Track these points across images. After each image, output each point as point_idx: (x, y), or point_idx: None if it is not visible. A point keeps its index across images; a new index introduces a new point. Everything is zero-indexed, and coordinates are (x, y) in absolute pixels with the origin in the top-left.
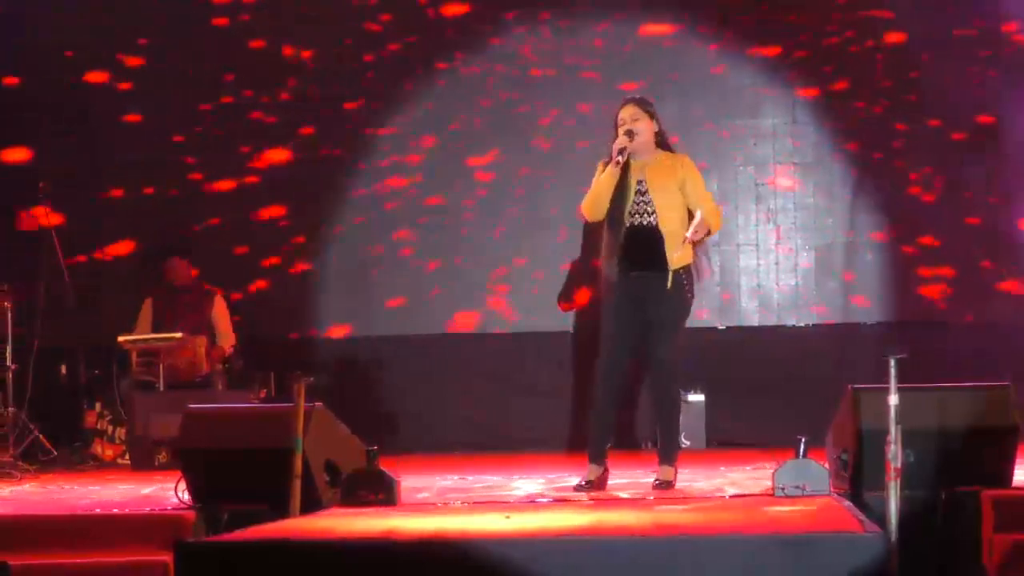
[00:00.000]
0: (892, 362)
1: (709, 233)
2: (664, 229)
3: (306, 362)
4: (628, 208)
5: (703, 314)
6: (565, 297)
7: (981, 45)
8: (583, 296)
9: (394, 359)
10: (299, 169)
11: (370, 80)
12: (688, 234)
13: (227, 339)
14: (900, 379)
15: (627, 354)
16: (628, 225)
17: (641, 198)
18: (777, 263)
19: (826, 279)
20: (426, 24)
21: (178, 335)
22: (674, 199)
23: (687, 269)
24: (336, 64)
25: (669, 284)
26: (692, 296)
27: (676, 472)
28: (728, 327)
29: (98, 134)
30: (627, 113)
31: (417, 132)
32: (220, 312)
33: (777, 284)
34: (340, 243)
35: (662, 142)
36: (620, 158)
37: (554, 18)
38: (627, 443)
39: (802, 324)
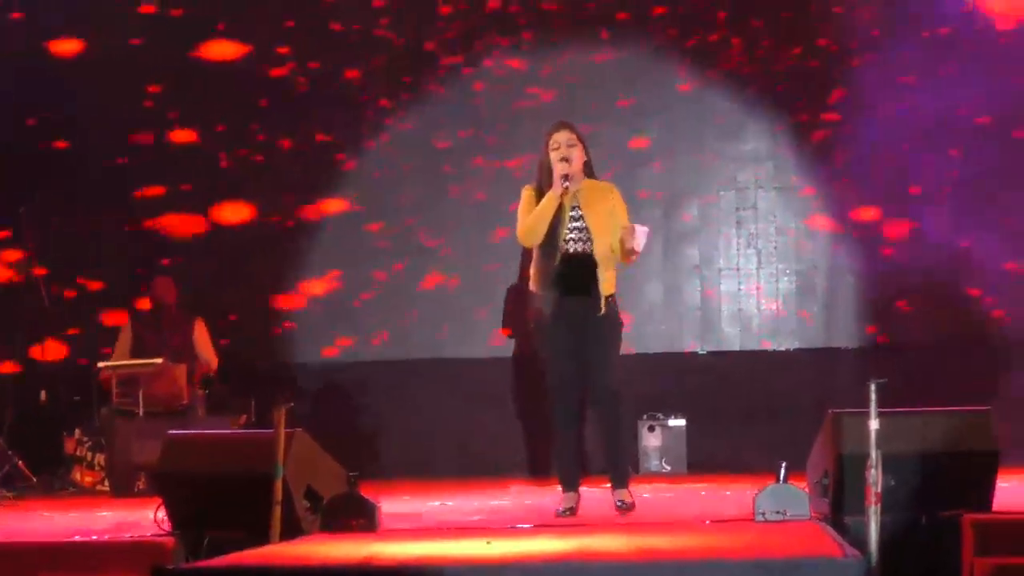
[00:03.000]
0: (872, 387)
1: (635, 252)
2: (598, 256)
3: (287, 388)
4: (562, 235)
5: (684, 338)
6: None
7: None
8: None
9: (376, 384)
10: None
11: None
12: (637, 247)
13: (210, 361)
14: (880, 404)
15: (575, 377)
16: (563, 252)
17: (575, 224)
18: (758, 288)
19: (807, 303)
20: (396, 52)
21: (158, 360)
22: (606, 226)
23: (614, 296)
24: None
25: (602, 309)
26: (622, 323)
27: (632, 494)
28: (709, 352)
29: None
30: (562, 137)
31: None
32: (202, 336)
33: (758, 309)
34: (321, 269)
35: (590, 170)
36: (568, 184)
37: (520, 43)
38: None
39: (783, 348)
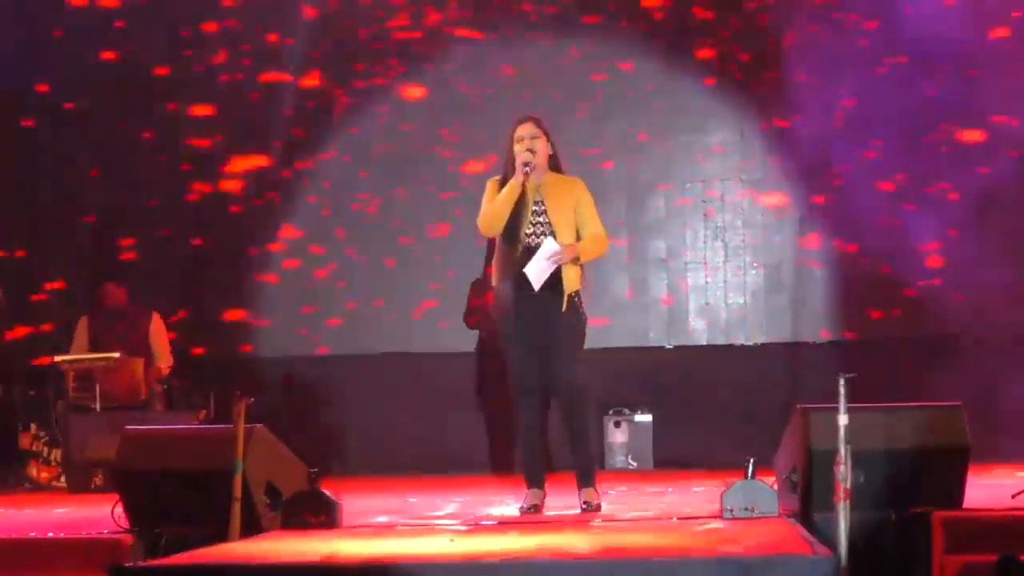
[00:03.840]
0: (841, 381)
1: (579, 259)
2: None
3: (247, 382)
4: (524, 227)
5: (650, 333)
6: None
7: (942, 57)
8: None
9: (337, 378)
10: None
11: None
12: (553, 261)
13: (164, 359)
14: (850, 398)
15: (537, 373)
16: (525, 244)
17: (538, 218)
18: (726, 281)
19: (775, 297)
20: (373, 47)
21: (115, 355)
22: (570, 220)
23: (578, 293)
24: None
25: (564, 306)
26: (586, 319)
27: (599, 493)
28: (676, 346)
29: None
30: (526, 130)
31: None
32: (157, 331)
33: (726, 303)
34: (283, 260)
35: (555, 164)
36: (527, 170)
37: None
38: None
39: (751, 343)
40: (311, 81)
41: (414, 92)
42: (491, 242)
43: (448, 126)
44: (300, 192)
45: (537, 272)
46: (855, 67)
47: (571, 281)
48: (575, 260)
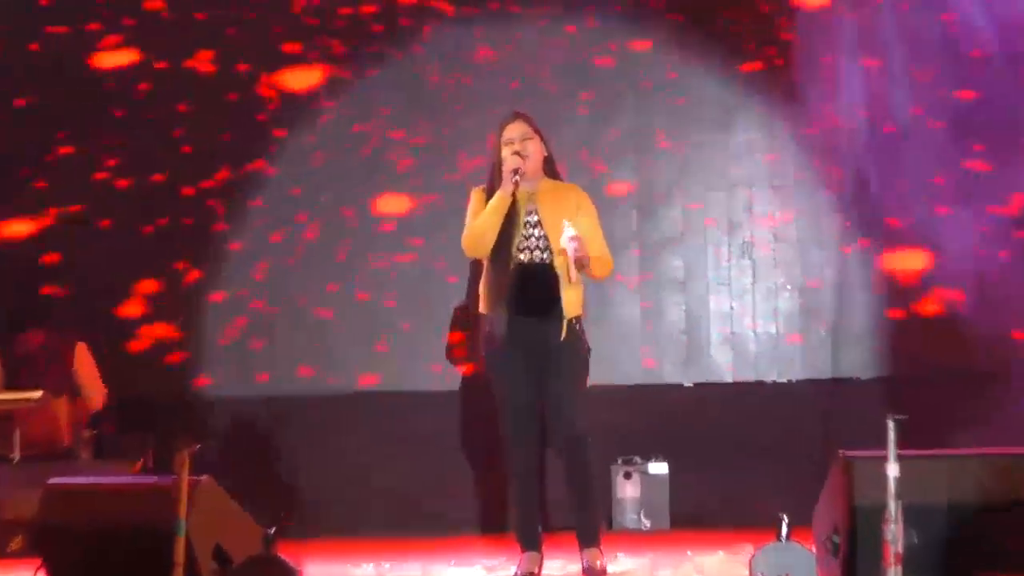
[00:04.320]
0: (891, 424)
1: (585, 266)
2: (559, 268)
3: (192, 426)
4: (516, 243)
5: (665, 367)
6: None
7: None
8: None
9: (299, 422)
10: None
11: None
12: (569, 248)
13: (96, 393)
14: (901, 444)
15: (533, 415)
16: (517, 262)
17: (532, 231)
18: (754, 306)
19: (813, 326)
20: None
21: (36, 394)
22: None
23: (580, 320)
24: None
25: (563, 333)
26: (589, 349)
27: (603, 554)
28: (695, 384)
29: None
30: (516, 131)
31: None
32: (84, 362)
33: (754, 332)
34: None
35: (551, 168)
36: (517, 177)
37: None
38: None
39: (784, 380)
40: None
41: (367, 83)
42: (477, 262)
43: (413, 125)
44: (241, 205)
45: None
46: (934, 53)
47: (571, 304)
48: (580, 266)
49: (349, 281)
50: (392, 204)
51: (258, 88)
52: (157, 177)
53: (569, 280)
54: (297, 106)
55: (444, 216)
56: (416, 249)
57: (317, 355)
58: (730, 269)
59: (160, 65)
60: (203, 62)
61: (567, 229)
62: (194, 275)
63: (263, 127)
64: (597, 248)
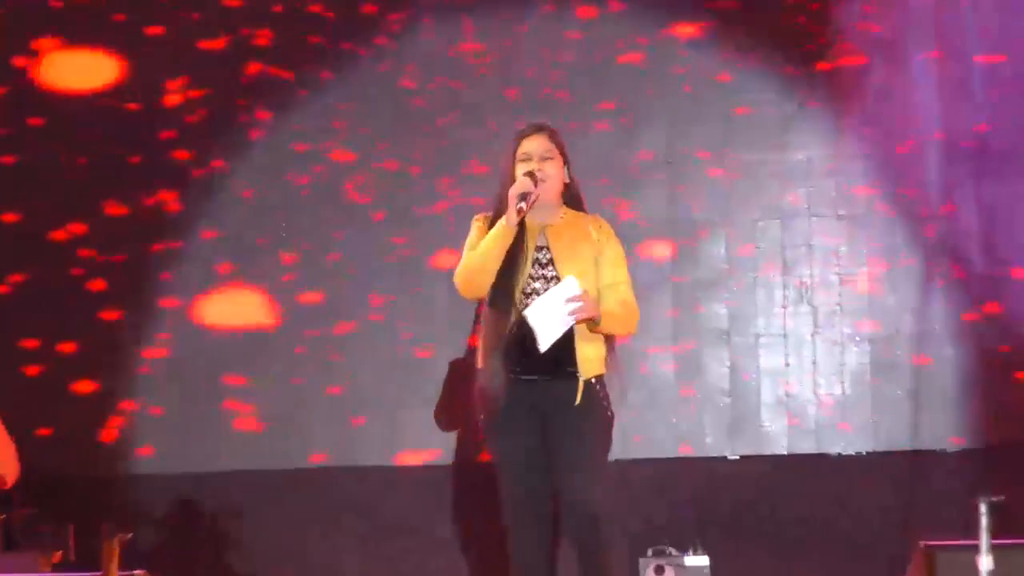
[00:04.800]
0: (984, 507)
1: (597, 323)
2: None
3: (122, 510)
4: (522, 284)
5: (707, 437)
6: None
7: None
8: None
9: (253, 502)
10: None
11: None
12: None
13: (7, 467)
14: (995, 531)
15: (542, 494)
16: (523, 308)
17: (542, 271)
18: (815, 362)
19: (886, 386)
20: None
21: None
22: (587, 275)
23: (601, 380)
24: None
25: (579, 396)
26: (612, 415)
27: None
28: (742, 457)
29: None
30: (535, 146)
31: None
32: None
33: (815, 393)
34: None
35: (573, 196)
36: (523, 205)
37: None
38: None
39: (851, 452)
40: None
41: (336, 89)
42: (479, 307)
43: (375, 146)
44: (191, 236)
45: (543, 319)
46: None
47: (590, 361)
48: (591, 323)
49: (312, 326)
50: (350, 245)
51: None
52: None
53: (592, 328)
54: (217, 121)
55: (412, 266)
56: (384, 309)
57: (270, 425)
58: (785, 317)
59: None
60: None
61: (569, 286)
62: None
63: (166, 148)
64: (616, 296)
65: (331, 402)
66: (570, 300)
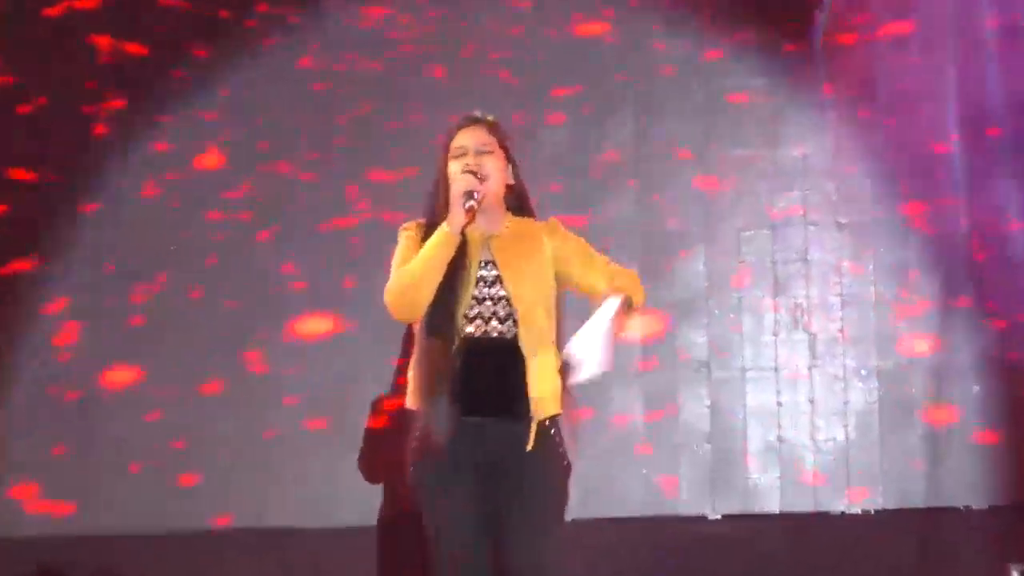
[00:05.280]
0: (1015, 573)
1: (634, 306)
2: (527, 343)
3: None
4: (465, 306)
5: (682, 492)
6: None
7: None
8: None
9: (139, 568)
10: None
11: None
12: (607, 320)
13: None
14: None
15: (484, 555)
16: (465, 336)
17: (487, 291)
18: (812, 401)
19: (898, 430)
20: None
21: None
22: (543, 292)
23: (556, 421)
24: None
25: (531, 441)
26: (569, 465)
27: None
28: (726, 516)
29: None
30: (470, 139)
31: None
32: None
33: (813, 439)
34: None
35: (519, 201)
36: (472, 203)
37: None
38: None
39: (857, 510)
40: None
41: (211, 71)
42: (408, 333)
43: (282, 136)
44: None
45: (585, 352)
46: None
47: (544, 399)
48: (627, 309)
49: (217, 365)
50: (223, 275)
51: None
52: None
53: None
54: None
55: (310, 298)
56: (273, 357)
57: (171, 478)
58: (777, 347)
59: None
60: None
61: (580, 350)
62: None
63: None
64: (612, 267)
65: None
66: (616, 314)
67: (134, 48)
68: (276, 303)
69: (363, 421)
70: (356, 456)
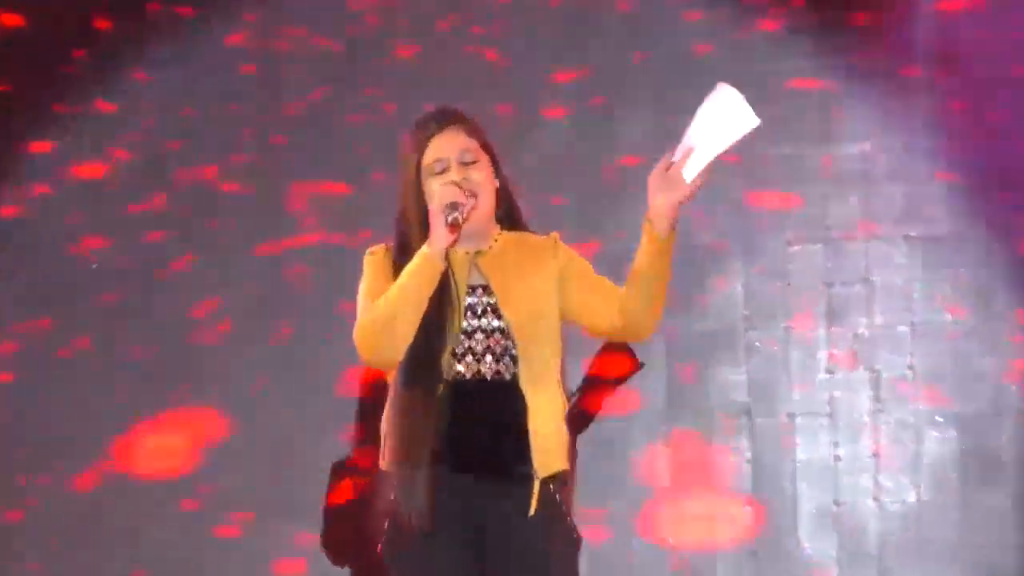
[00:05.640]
0: None
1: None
2: (529, 383)
3: None
4: (453, 343)
5: (715, 564)
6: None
7: None
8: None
9: None
10: None
11: None
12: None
13: None
14: None
15: None
16: (453, 376)
17: (478, 322)
18: (877, 455)
19: (985, 489)
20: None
21: None
22: (548, 320)
23: (563, 480)
24: None
25: (533, 505)
26: (579, 536)
27: None
28: None
29: None
30: (450, 146)
31: None
32: None
33: (878, 500)
34: None
35: (510, 211)
36: (458, 216)
37: None
38: None
39: None
40: None
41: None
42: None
43: (200, 134)
44: None
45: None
46: None
47: (549, 451)
48: (658, 276)
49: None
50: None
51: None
52: None
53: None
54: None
55: (233, 349)
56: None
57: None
58: (832, 388)
59: None
60: None
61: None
62: None
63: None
64: (614, 298)
65: None
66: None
67: (10, 19)
68: (192, 357)
69: (317, 496)
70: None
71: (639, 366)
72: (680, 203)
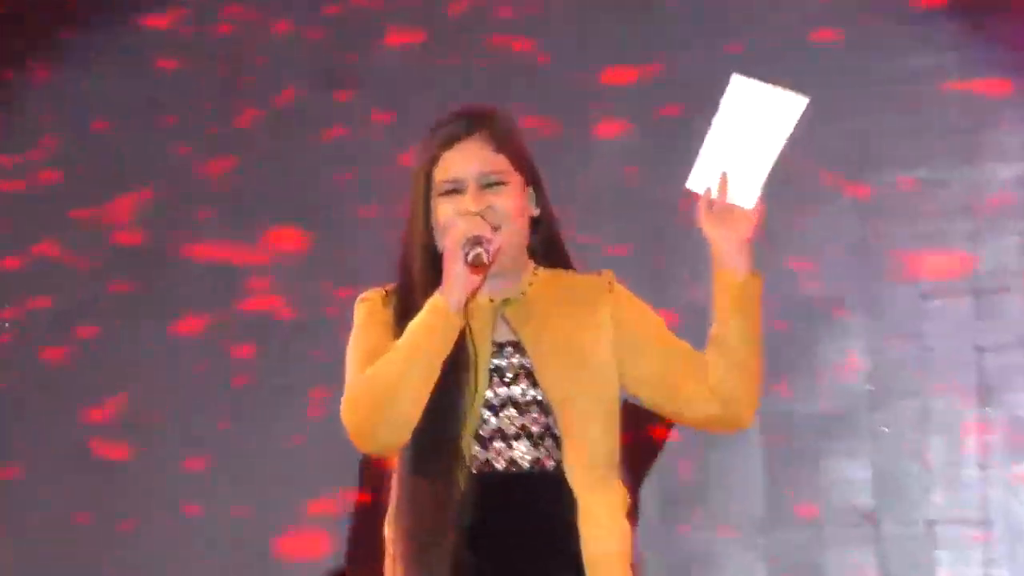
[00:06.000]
0: None
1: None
2: (577, 473)
3: None
4: (476, 421)
5: None
6: None
7: None
8: None
9: None
10: None
11: None
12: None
13: None
14: None
15: None
16: (477, 467)
17: (508, 391)
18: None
19: None
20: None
21: None
22: (601, 388)
23: None
24: None
25: None
26: None
27: None
28: None
29: None
30: (468, 163)
31: None
32: None
33: None
34: None
35: (547, 242)
36: (481, 252)
37: None
38: None
39: None
40: None
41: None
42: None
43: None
44: None
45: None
46: None
47: (609, 560)
48: (745, 339)
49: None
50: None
51: None
52: None
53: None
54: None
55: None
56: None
57: None
58: (986, 488)
59: None
60: None
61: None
62: None
63: None
64: (695, 366)
65: None
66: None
67: None
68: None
69: None
70: None
71: None
72: (748, 238)
